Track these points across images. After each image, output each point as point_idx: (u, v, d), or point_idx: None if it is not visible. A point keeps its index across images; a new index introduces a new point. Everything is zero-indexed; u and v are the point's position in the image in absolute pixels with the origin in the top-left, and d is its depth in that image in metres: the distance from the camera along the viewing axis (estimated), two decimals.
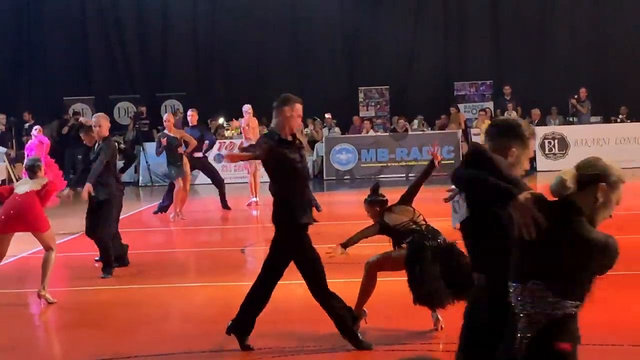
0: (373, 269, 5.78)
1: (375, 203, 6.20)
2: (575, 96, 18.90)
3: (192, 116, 14.03)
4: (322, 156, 19.75)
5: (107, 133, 8.81)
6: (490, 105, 20.66)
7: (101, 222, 8.64)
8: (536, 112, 19.09)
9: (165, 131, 12.76)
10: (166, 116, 13.31)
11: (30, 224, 7.67)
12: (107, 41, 23.13)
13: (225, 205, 13.65)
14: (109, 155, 8.61)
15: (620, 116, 18.80)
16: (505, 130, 3.22)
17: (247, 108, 14.59)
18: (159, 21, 23.29)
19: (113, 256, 8.56)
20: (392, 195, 7.14)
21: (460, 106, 20.88)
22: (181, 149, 12.44)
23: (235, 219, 14.73)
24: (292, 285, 6.91)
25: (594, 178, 2.73)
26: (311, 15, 22.30)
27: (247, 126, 14.62)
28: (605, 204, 2.78)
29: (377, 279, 5.80)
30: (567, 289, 2.76)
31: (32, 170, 7.85)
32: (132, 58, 23.05)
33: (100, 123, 8.78)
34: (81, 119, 19.07)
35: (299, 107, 5.46)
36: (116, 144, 9.84)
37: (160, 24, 23.38)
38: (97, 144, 8.78)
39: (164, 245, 12.03)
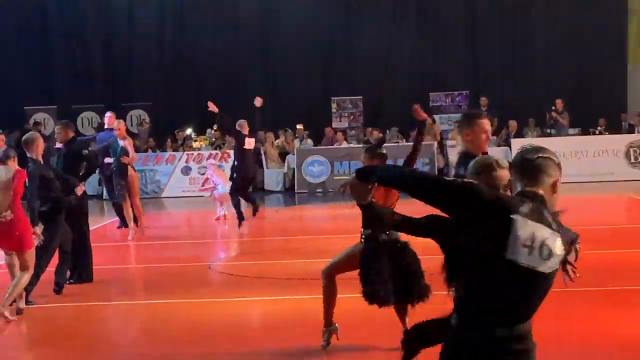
0: (330, 274, 5.59)
1: (376, 156, 5.74)
2: (553, 107, 18.57)
3: (109, 118, 12.79)
4: (294, 168, 19.26)
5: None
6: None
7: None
8: (513, 124, 18.89)
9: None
10: (116, 124, 12.16)
11: (15, 243, 7.45)
12: (70, 48, 22.64)
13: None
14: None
15: (599, 128, 18.85)
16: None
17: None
18: (124, 28, 22.83)
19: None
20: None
21: (436, 117, 20.55)
22: (125, 159, 11.70)
23: (203, 234, 14.22)
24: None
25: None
26: (284, 23, 22.18)
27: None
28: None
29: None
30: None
31: (2, 160, 7.53)
32: (96, 66, 22.61)
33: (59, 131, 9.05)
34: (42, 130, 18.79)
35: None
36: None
37: (127, 31, 22.91)
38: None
39: (128, 261, 11.51)
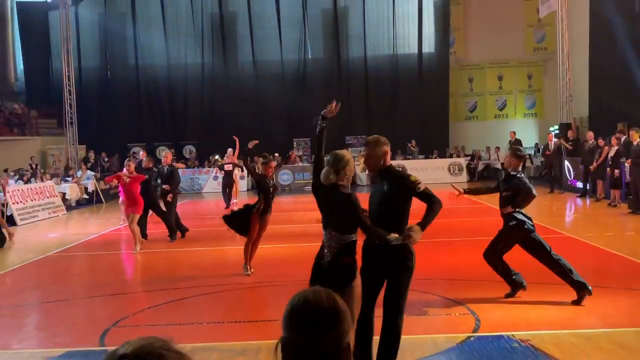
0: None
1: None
2: (409, 143, 26.61)
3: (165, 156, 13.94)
4: (274, 176, 25.69)
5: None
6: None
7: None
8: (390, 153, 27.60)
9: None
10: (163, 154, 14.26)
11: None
12: (151, 106, 28.46)
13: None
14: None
15: (434, 155, 26.46)
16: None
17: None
18: (181, 92, 28.43)
19: None
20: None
21: (348, 150, 28.64)
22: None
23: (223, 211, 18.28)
24: None
25: (343, 165, 4.54)
26: (267, 89, 27.88)
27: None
28: (349, 178, 4.64)
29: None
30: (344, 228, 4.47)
31: None
32: (165, 117, 28.39)
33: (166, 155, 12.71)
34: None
35: None
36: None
37: (182, 94, 28.43)
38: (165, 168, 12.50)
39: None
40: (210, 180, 26.03)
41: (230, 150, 18.26)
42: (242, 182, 21.78)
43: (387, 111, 28.00)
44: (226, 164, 18.46)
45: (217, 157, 25.60)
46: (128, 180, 10.93)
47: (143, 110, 28.69)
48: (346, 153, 4.89)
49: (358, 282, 4.57)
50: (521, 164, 7.40)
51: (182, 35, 28.76)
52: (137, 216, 10.99)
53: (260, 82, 28.22)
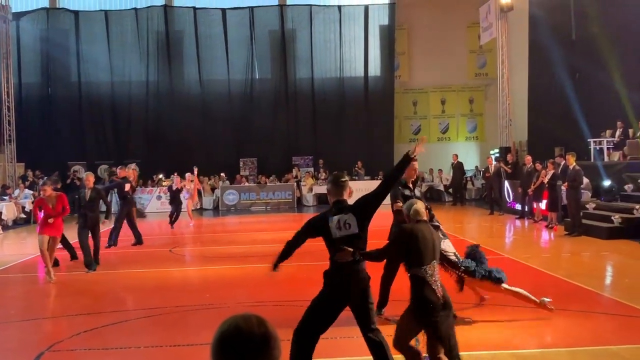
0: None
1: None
2: (356, 165, 26.93)
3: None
4: (219, 196, 25.61)
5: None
6: (311, 169, 27.60)
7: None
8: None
9: None
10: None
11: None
12: (93, 126, 27.90)
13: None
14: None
15: (379, 176, 25.76)
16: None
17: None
18: (125, 111, 28.02)
19: None
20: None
21: (295, 170, 27.36)
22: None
23: (167, 232, 18.20)
24: None
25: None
26: (214, 109, 27.89)
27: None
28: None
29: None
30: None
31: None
32: (108, 136, 27.93)
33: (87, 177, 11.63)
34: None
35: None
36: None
37: (127, 113, 27.98)
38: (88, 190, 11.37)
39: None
40: (153, 200, 25.85)
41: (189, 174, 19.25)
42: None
43: (333, 132, 28.25)
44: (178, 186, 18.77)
45: (161, 176, 25.91)
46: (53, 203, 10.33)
47: (85, 128, 28.21)
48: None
49: None
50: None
51: (126, 52, 28.45)
52: (58, 239, 10.51)
53: (207, 102, 28.22)
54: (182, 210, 19.43)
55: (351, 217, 4.71)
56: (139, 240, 14.44)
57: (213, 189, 26.65)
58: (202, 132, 27.76)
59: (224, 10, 28.56)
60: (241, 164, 28.52)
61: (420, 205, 5.12)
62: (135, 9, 28.62)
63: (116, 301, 9.23)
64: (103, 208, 12.49)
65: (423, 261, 4.91)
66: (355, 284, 4.80)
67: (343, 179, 5.11)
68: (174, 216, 18.63)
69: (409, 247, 4.94)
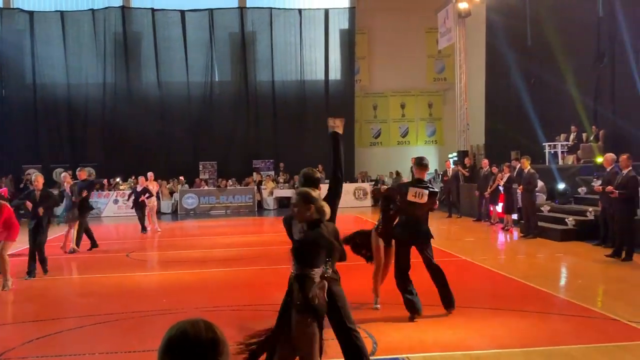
0: None
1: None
2: (317, 168, 28.81)
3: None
4: (178, 200, 25.41)
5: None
6: (272, 173, 27.68)
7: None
8: (296, 177, 23.89)
9: None
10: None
11: None
12: (47, 129, 27.42)
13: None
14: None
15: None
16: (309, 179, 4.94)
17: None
18: (82, 114, 27.38)
19: None
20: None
21: (256, 174, 27.31)
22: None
23: (125, 236, 17.85)
24: None
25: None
26: (173, 111, 27.90)
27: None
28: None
29: None
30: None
31: None
32: (64, 139, 27.38)
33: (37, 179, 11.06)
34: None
35: None
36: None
37: (83, 116, 27.37)
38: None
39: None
40: (110, 204, 25.39)
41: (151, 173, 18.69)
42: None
43: (294, 136, 28.26)
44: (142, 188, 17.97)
45: (118, 179, 25.68)
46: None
47: (40, 131, 27.75)
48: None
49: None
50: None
51: (83, 53, 28.11)
52: (11, 244, 9.97)
53: (166, 104, 28.19)
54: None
55: None
56: (77, 245, 14.02)
57: (172, 193, 26.25)
58: (161, 135, 27.56)
59: (182, 12, 28.41)
60: (200, 167, 28.36)
61: (325, 205, 4.66)
62: (92, 10, 28.30)
63: (71, 307, 9.05)
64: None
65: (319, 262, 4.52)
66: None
67: (317, 176, 5.12)
68: (143, 221, 18.03)
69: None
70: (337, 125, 5.44)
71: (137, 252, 14.72)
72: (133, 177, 24.69)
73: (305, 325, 4.22)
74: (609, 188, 11.64)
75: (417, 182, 7.36)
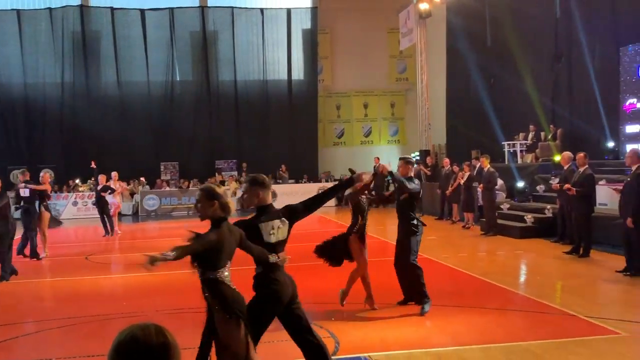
0: None
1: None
2: (280, 169, 26.86)
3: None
4: (139, 202, 25.06)
5: None
6: (235, 173, 27.32)
7: None
8: None
9: None
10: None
11: None
12: (6, 127, 26.64)
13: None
14: None
15: (304, 180, 27.05)
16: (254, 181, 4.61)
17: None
18: (39, 116, 26.72)
19: None
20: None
21: (218, 174, 27.25)
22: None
23: (85, 239, 17.74)
24: None
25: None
26: (133, 111, 27.51)
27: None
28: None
29: None
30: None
31: None
32: (22, 141, 26.84)
33: None
34: None
35: None
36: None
37: (41, 119, 26.69)
38: None
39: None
40: (69, 206, 24.97)
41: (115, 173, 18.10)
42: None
43: (257, 136, 28.13)
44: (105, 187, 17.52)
45: (77, 181, 25.15)
46: None
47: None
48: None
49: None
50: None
51: (40, 53, 27.46)
52: None
53: (125, 104, 27.68)
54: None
55: (285, 223, 4.63)
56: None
57: (132, 194, 25.82)
58: (121, 135, 26.97)
59: (142, 11, 28.06)
60: (162, 168, 27.98)
61: (231, 202, 4.48)
62: (49, 8, 27.69)
63: (27, 312, 8.85)
64: None
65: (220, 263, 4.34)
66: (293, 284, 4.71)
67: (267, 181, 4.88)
68: (105, 222, 17.56)
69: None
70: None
71: (97, 254, 14.47)
72: (92, 179, 24.18)
73: (226, 323, 4.18)
74: (567, 186, 11.88)
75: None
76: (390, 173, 7.45)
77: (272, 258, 4.51)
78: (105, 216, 17.65)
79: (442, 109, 26.13)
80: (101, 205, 17.59)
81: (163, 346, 1.80)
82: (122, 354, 1.79)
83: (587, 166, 11.92)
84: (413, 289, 7.86)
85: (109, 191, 17.55)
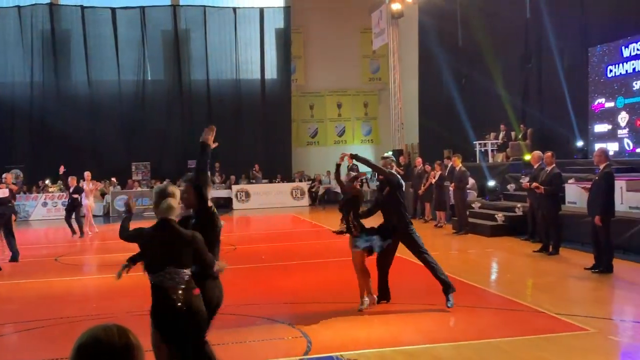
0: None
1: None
2: (254, 168, 26.76)
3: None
4: (110, 202, 24.93)
5: None
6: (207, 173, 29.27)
7: None
8: (232, 177, 26.29)
9: None
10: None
11: None
12: None
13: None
14: None
15: (277, 180, 27.11)
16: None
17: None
18: (7, 116, 26.11)
19: None
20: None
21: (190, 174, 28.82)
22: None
23: (55, 239, 17.37)
24: None
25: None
26: (104, 111, 27.11)
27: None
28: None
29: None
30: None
31: None
32: None
33: None
34: None
35: None
36: None
37: (10, 119, 26.15)
38: None
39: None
40: (39, 207, 24.67)
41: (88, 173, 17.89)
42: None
43: (230, 135, 27.79)
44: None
45: (47, 181, 24.80)
46: None
47: None
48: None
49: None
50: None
51: (9, 51, 27.07)
52: None
53: (96, 103, 27.37)
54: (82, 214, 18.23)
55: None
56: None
57: (103, 195, 25.44)
58: (92, 135, 26.77)
59: (113, 10, 27.79)
60: (133, 168, 27.78)
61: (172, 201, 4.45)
62: (18, 6, 27.26)
63: None
64: None
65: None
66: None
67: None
68: (76, 223, 17.34)
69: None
70: (207, 137, 5.25)
71: (67, 256, 14.26)
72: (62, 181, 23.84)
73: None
74: (535, 184, 12.03)
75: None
76: (355, 156, 7.38)
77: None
78: (74, 218, 17.49)
79: (415, 108, 26.27)
80: (74, 206, 17.46)
81: (126, 347, 1.77)
82: (84, 356, 1.75)
83: (554, 165, 12.08)
84: (387, 288, 7.88)
85: (80, 192, 17.40)
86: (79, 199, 17.52)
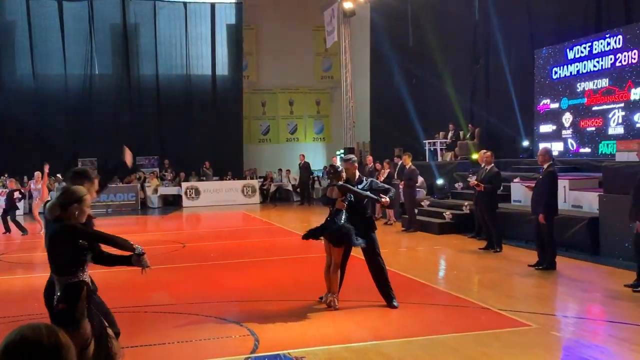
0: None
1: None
2: (204, 165, 26.36)
3: None
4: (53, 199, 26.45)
5: None
6: (157, 170, 26.97)
7: None
8: (182, 174, 26.12)
9: None
10: None
11: None
12: None
13: None
14: None
15: (228, 177, 26.81)
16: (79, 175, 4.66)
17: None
18: None
19: None
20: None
21: (139, 172, 26.59)
22: None
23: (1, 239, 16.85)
24: None
25: (73, 201, 4.04)
26: (49, 105, 26.35)
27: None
28: (81, 213, 4.09)
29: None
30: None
31: None
32: None
33: None
34: None
35: None
36: None
37: None
38: None
39: None
40: None
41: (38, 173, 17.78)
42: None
43: (180, 131, 27.80)
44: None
45: None
46: None
47: None
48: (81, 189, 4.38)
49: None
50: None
51: None
52: None
53: (41, 97, 26.63)
54: (18, 214, 18.00)
55: None
56: None
57: (48, 191, 24.74)
58: (36, 130, 25.93)
59: (60, 2, 27.02)
60: (79, 164, 26.61)
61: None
62: None
63: None
64: None
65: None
66: None
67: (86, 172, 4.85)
68: (12, 224, 17.08)
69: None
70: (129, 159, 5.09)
71: (10, 254, 13.82)
72: (5, 175, 23.24)
73: None
74: (473, 182, 12.25)
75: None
76: (345, 189, 7.29)
77: None
78: (7, 217, 17.41)
79: (367, 107, 26.47)
80: (11, 207, 17.40)
81: (55, 347, 1.73)
82: (11, 356, 1.70)
83: (493, 164, 12.38)
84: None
85: (19, 196, 17.35)
86: (16, 200, 17.44)
